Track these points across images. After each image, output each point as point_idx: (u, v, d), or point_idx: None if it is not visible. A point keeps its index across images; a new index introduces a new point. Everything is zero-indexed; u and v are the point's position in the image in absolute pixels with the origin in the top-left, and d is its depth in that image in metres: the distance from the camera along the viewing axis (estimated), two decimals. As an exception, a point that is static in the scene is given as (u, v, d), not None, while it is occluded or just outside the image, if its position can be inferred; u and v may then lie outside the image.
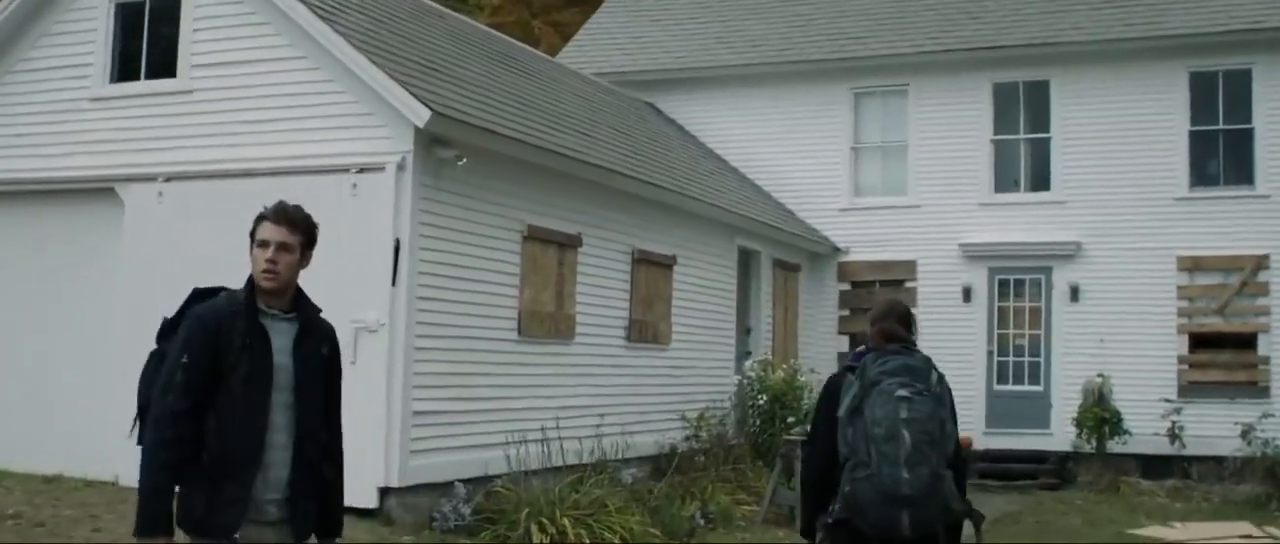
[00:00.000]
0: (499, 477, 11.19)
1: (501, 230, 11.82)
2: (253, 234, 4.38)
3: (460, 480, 10.87)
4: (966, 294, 19.07)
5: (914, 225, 19.42)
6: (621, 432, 13.53)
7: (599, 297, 13.47)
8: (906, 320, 5.30)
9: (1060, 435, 18.08)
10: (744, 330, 17.84)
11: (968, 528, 5.13)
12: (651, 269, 14.61)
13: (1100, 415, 17.22)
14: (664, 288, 14.93)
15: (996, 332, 19.02)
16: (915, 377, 4.90)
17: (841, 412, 4.97)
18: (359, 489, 10.20)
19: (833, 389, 5.16)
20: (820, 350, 19.82)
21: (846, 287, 19.97)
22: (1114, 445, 17.39)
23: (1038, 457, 18.17)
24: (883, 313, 5.35)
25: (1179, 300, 18.09)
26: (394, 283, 10.41)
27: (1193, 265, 18.02)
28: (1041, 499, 16.38)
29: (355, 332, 10.18)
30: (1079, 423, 17.42)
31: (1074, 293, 18.52)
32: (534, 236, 12.25)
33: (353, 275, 10.58)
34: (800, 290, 19.34)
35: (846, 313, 19.95)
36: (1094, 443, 17.43)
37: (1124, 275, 18.21)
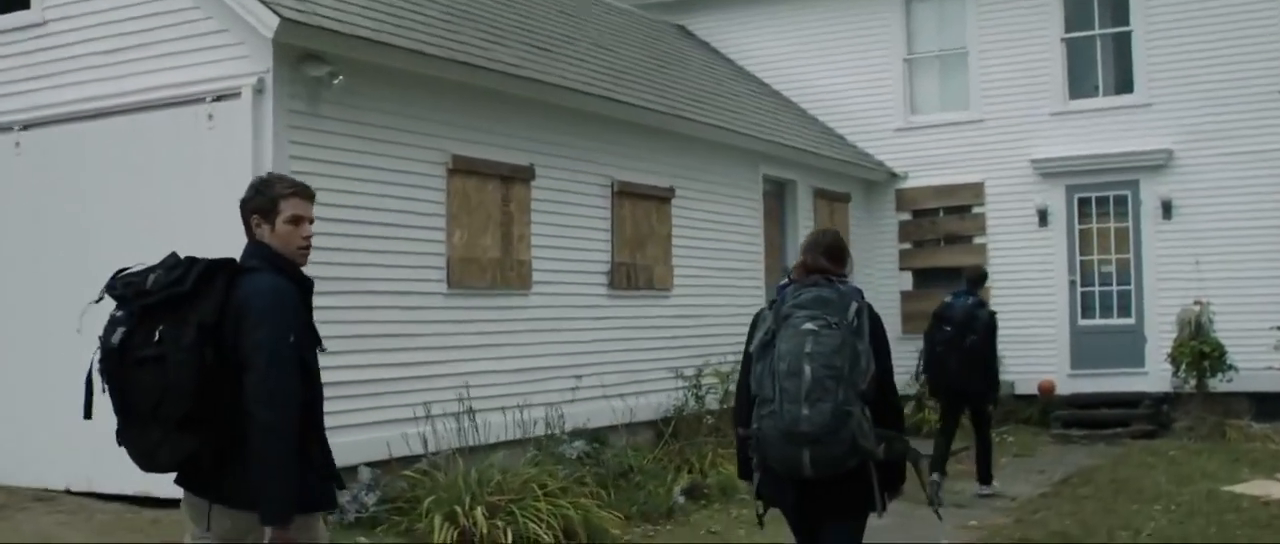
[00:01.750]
0: (426, 456, 9.40)
1: (418, 164, 9.96)
2: (271, 210, 4.17)
3: (367, 463, 9.09)
4: (1042, 217, 16.63)
5: (979, 143, 17.03)
6: (604, 394, 11.64)
7: (565, 238, 11.54)
8: (835, 252, 5.06)
9: (1157, 375, 15.61)
10: (780, 272, 15.70)
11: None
12: (640, 204, 12.61)
13: (1199, 350, 14.72)
14: (659, 225, 12.92)
15: (1078, 259, 16.57)
16: (827, 309, 4.69)
17: (753, 347, 4.82)
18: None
19: (753, 325, 4.95)
20: (880, 290, 17.56)
21: (907, 216, 17.68)
22: (1217, 384, 14.87)
23: (1130, 400, 15.73)
24: (809, 244, 5.11)
25: (1291, 211, 15.46)
26: (259, 230, 8.64)
27: (1307, 168, 15.37)
28: (1129, 451, 14.01)
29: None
30: (1174, 360, 14.95)
31: (1166, 209, 15.95)
32: (464, 170, 10.36)
33: (216, 223, 8.78)
34: (851, 223, 17.10)
35: (908, 246, 17.68)
36: (1194, 382, 14.93)
37: (1224, 185, 15.60)
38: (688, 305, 13.19)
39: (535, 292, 11.13)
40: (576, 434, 11.10)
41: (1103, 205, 16.51)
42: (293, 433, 3.95)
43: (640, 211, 12.60)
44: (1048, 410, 16.02)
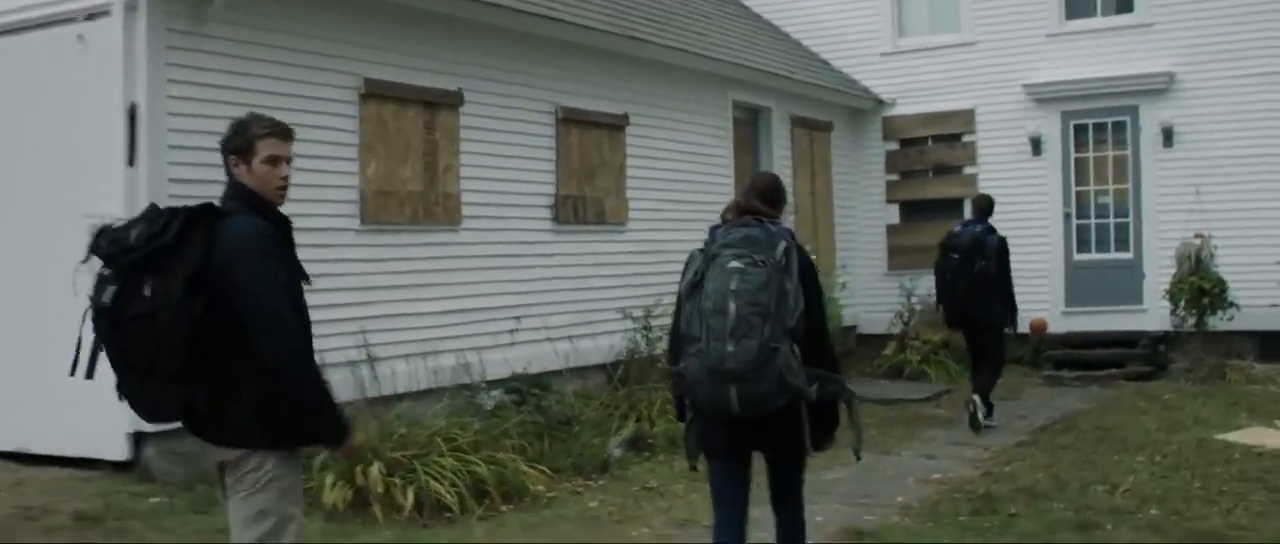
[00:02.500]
0: (335, 407, 8.57)
1: (324, 89, 9.09)
2: (247, 150, 4.16)
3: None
4: (1036, 146, 15.65)
5: (970, 67, 16.03)
6: (547, 337, 10.82)
7: (502, 169, 10.67)
8: (768, 194, 5.09)
9: (1156, 313, 14.68)
10: (755, 205, 14.80)
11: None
12: (589, 132, 11.71)
13: (1199, 286, 13.77)
14: (611, 155, 12.02)
15: (1074, 189, 15.61)
16: (754, 248, 4.68)
17: (682, 287, 4.81)
18: (101, 437, 7.76)
19: (686, 265, 4.87)
20: (866, 223, 16.71)
21: (894, 146, 16.71)
22: (1218, 322, 13.94)
23: (1127, 339, 14.82)
24: (746, 187, 5.17)
25: (1301, 136, 14.44)
26: (131, 162, 7.80)
27: (1318, 91, 14.33)
28: (1121, 394, 13.13)
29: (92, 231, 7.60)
30: (1172, 296, 14.01)
31: (1167, 136, 14.96)
32: (380, 95, 9.48)
33: (87, 156, 8.05)
34: (834, 153, 16.16)
35: (895, 177, 16.72)
36: (1193, 320, 14.00)
37: (1229, 110, 14.59)
38: (645, 241, 12.31)
39: (466, 227, 10.28)
40: (516, 380, 10.32)
41: (1100, 133, 15.53)
42: (311, 356, 4.06)
43: (589, 141, 11.70)
44: (1040, 350, 15.14)
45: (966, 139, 16.14)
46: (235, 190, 4.18)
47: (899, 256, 16.42)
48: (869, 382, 14.28)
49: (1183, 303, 13.85)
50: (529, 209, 11.00)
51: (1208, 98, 14.69)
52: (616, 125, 12.06)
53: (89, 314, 3.99)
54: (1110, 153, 15.46)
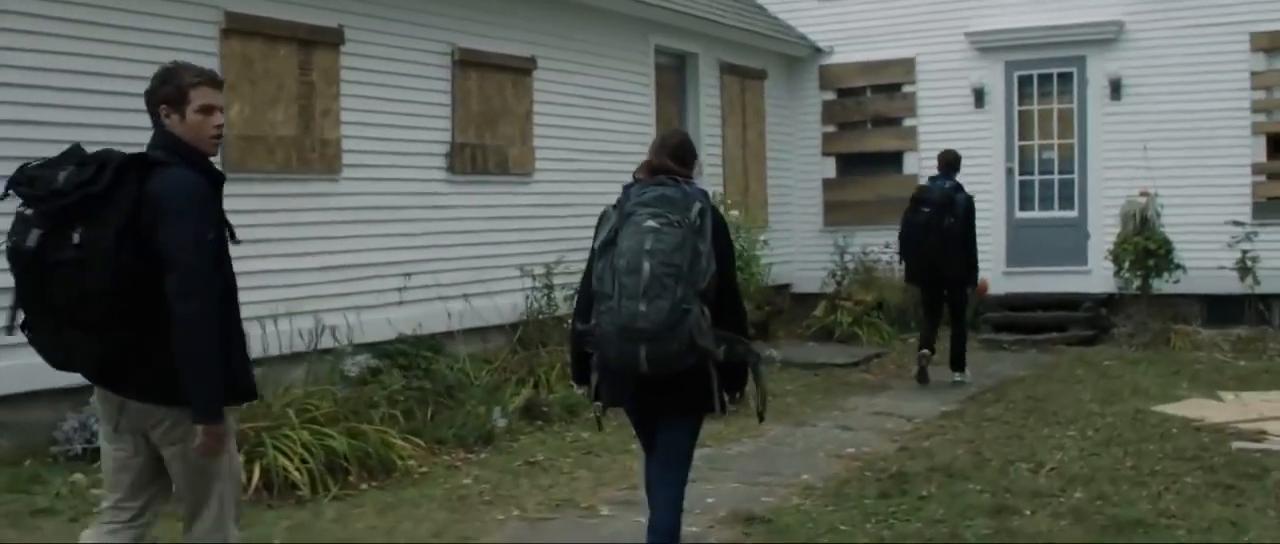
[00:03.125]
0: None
1: (178, 22, 8.22)
2: (180, 98, 4.01)
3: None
4: (978, 98, 14.90)
5: (911, 13, 15.23)
6: (440, 296, 10.03)
7: (389, 114, 9.82)
8: (680, 153, 4.99)
9: (1100, 274, 14.01)
10: (680, 156, 13.98)
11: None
12: (491, 76, 10.85)
13: (1144, 246, 13.08)
14: (516, 101, 11.17)
15: (1017, 144, 14.88)
16: (670, 208, 4.65)
17: (596, 244, 4.78)
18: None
19: (599, 223, 4.84)
20: (801, 177, 15.94)
21: (831, 96, 15.91)
22: (1164, 285, 13.27)
23: (1070, 302, 14.16)
24: (656, 146, 5.04)
25: (1254, 91, 13.74)
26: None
27: (1272, 44, 13.59)
28: (1060, 360, 12.46)
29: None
30: (1116, 257, 13.31)
31: (1115, 88, 14.24)
32: (244, 31, 8.61)
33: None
34: (768, 103, 15.34)
35: (832, 129, 15.92)
36: (1139, 283, 13.33)
37: (1179, 61, 13.89)
38: (554, 193, 11.49)
39: (346, 176, 9.43)
40: (402, 342, 9.53)
41: (1045, 84, 14.79)
42: (216, 329, 3.93)
43: (491, 85, 10.84)
44: (979, 313, 14.42)
45: (907, 89, 15.37)
46: (165, 140, 4.05)
47: (836, 212, 15.68)
48: (796, 344, 13.56)
49: (1127, 264, 13.17)
50: (420, 158, 10.16)
51: (1157, 49, 13.98)
52: (522, 69, 11.20)
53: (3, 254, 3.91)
54: (1055, 106, 14.74)
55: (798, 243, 15.74)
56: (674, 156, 4.95)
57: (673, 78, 13.85)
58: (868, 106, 15.62)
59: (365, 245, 9.53)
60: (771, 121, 15.40)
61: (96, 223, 3.79)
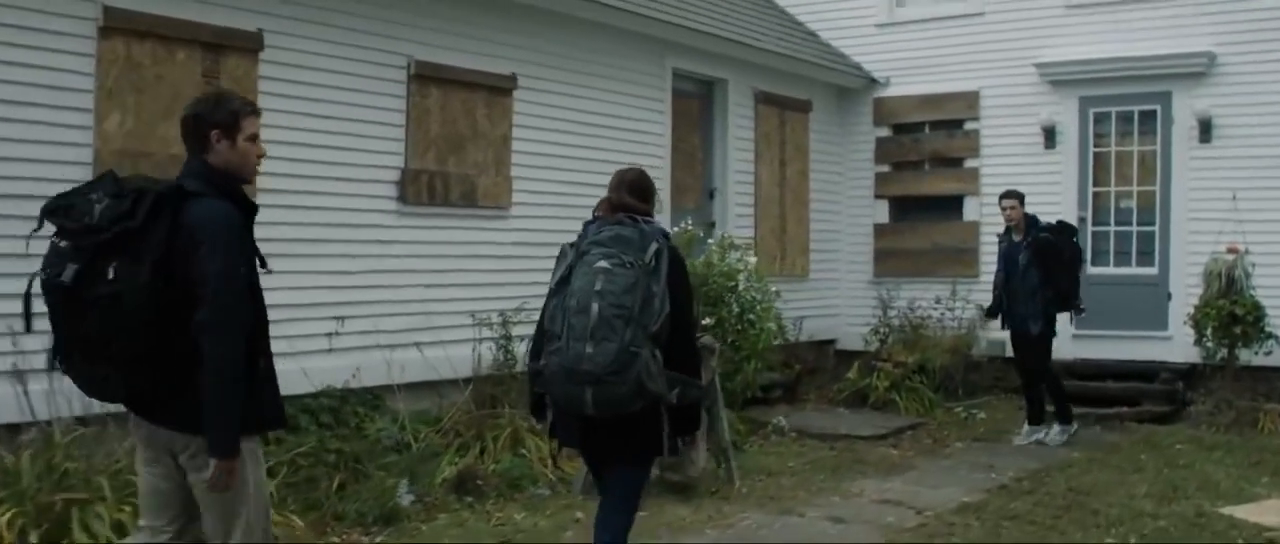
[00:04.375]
0: (32, 425, 6.63)
1: (49, 19, 7.06)
2: (233, 125, 4.09)
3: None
4: (1049, 137, 13.21)
5: (976, 42, 13.62)
6: (383, 343, 8.76)
7: (322, 132, 8.56)
8: (640, 190, 4.98)
9: (1182, 341, 12.15)
10: (707, 194, 12.56)
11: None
12: (457, 93, 9.54)
13: (1229, 311, 11.25)
14: (491, 124, 9.84)
15: (1092, 190, 13.13)
16: (625, 248, 4.62)
17: (552, 282, 4.78)
18: None
19: (557, 260, 4.86)
20: (850, 221, 14.41)
21: (885, 132, 14.32)
22: (1253, 356, 11.44)
23: (1146, 371, 12.37)
24: (614, 183, 5.01)
25: (1367, 135, 11.87)
26: None
27: (1391, 80, 11.75)
28: (1124, 441, 10.75)
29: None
30: (1197, 323, 11.51)
31: (1204, 129, 12.45)
32: (128, 29, 7.41)
33: None
34: (811, 138, 13.83)
35: (886, 169, 14.33)
36: (1223, 352, 11.50)
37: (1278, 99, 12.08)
38: (535, 230, 10.12)
39: (261, 202, 8.09)
40: (325, 395, 8.25)
41: (1124, 123, 13.05)
42: (241, 365, 3.96)
43: (458, 104, 9.54)
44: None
45: (969, 126, 13.72)
46: (202, 168, 4.08)
47: (887, 261, 14.07)
48: (824, 410, 11.97)
49: (1209, 331, 11.36)
50: (362, 185, 8.87)
51: (1254, 84, 12.18)
52: (500, 88, 9.87)
53: (38, 286, 3.92)
54: (1135, 148, 12.98)
55: (846, 294, 14.18)
56: (632, 193, 4.92)
57: (697, 105, 12.43)
58: (925, 145, 14.01)
59: (281, 283, 8.21)
60: (816, 159, 13.88)
61: (132, 258, 3.81)
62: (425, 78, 9.24)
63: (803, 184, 13.64)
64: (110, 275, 3.81)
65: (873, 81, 14.16)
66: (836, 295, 14.03)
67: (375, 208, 8.98)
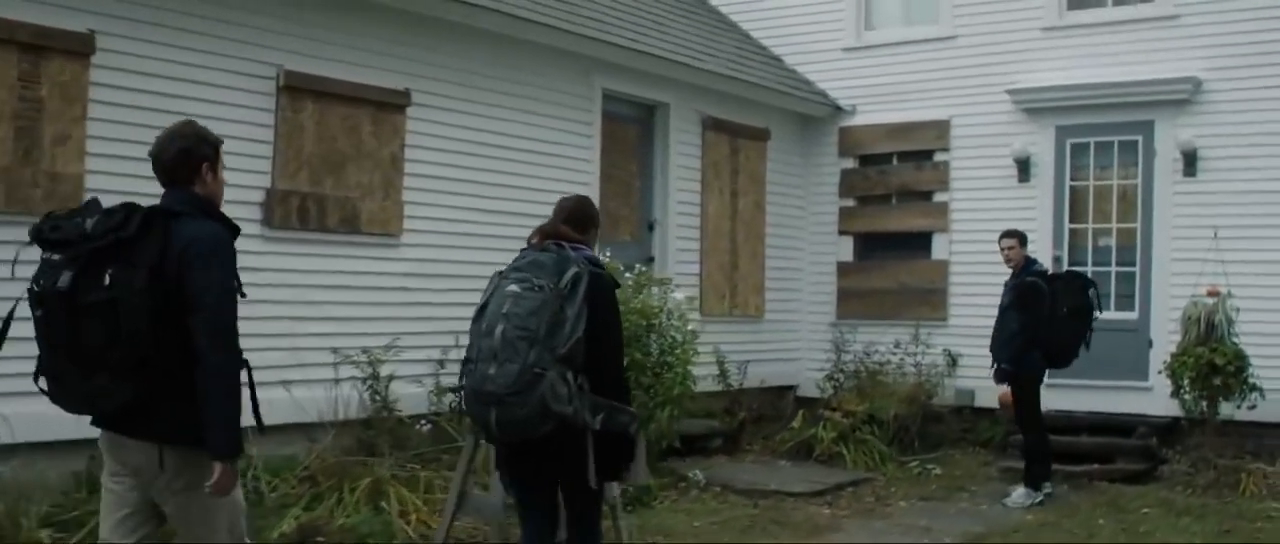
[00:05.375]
0: None
1: None
2: (212, 158, 4.30)
3: None
4: (1023, 168, 12.23)
5: (947, 67, 12.68)
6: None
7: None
8: (577, 218, 5.11)
9: (1164, 393, 11.02)
10: (646, 226, 11.65)
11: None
12: (337, 108, 8.69)
13: (1208, 360, 10.18)
14: (380, 142, 8.98)
15: (1068, 227, 12.12)
16: (539, 272, 4.66)
17: (475, 310, 4.80)
18: None
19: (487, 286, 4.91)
20: (813, 259, 13.43)
21: (851, 163, 13.36)
22: (1235, 409, 10.37)
23: (1124, 425, 11.32)
24: (555, 210, 5.16)
25: (1363, 169, 10.82)
26: None
27: (1392, 108, 10.70)
28: (1085, 502, 9.70)
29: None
30: (1174, 372, 10.45)
31: (1190, 161, 11.44)
32: (-83, 23, 6.62)
33: None
34: (768, 169, 12.90)
35: (851, 203, 13.36)
36: (1203, 405, 10.44)
37: (1270, 130, 11.05)
38: (432, 261, 9.28)
39: (89, 223, 7.30)
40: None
41: (1103, 155, 12.04)
42: (239, 372, 4.09)
43: (338, 119, 8.69)
44: (1008, 434, 11.71)
45: (939, 157, 12.75)
46: (187, 198, 4.20)
47: (851, 302, 13.09)
48: (763, 464, 10.96)
49: (1187, 382, 10.29)
50: (222, 206, 7.99)
51: (1243, 114, 11.17)
52: (389, 103, 9.02)
53: (28, 299, 3.98)
54: (1115, 181, 11.97)
55: (807, 337, 13.21)
56: (568, 220, 5.03)
57: (635, 130, 11.55)
58: (893, 177, 13.04)
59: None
60: (775, 191, 12.94)
61: (127, 265, 3.89)
62: (298, 90, 8.40)
63: (758, 217, 12.70)
64: (106, 281, 3.89)
65: (838, 109, 13.22)
66: (796, 338, 13.06)
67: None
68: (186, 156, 4.21)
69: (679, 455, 10.37)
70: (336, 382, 8.43)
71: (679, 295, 9.97)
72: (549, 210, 9.61)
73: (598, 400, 4.61)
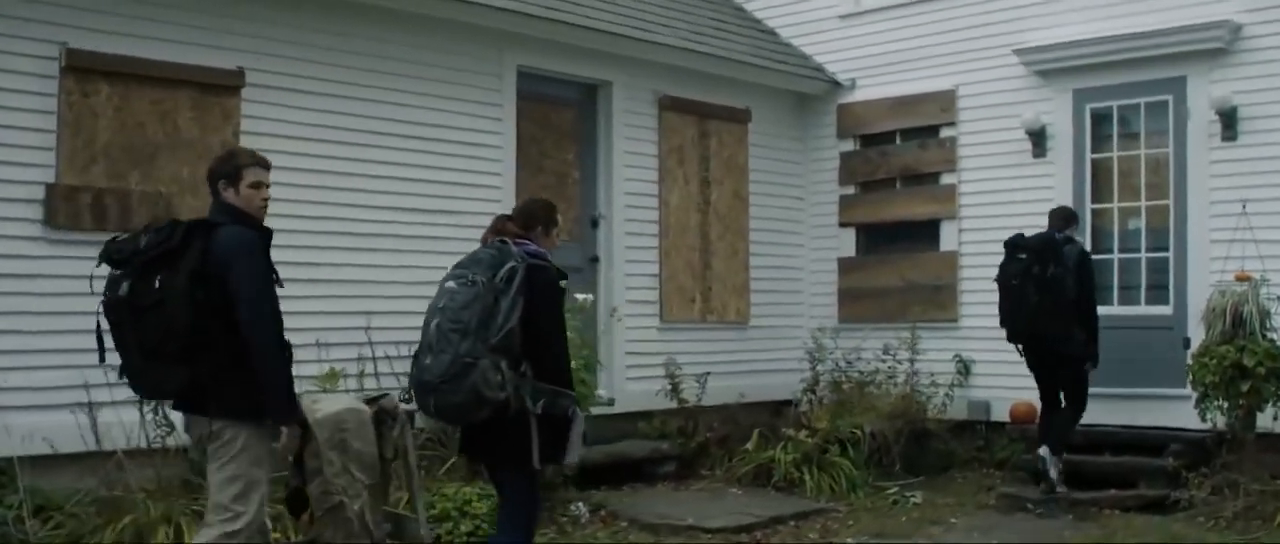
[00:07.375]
0: None
1: None
2: (236, 176, 5.01)
3: None
4: (1037, 141, 10.47)
5: (951, 31, 11.01)
6: (28, 404, 6.86)
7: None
8: (525, 216, 5.42)
9: (1202, 400, 9.17)
10: (589, 223, 10.26)
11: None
12: (143, 92, 7.55)
13: (1235, 360, 8.31)
14: (199, 131, 7.80)
15: (1090, 207, 10.29)
16: (475, 268, 5.00)
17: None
18: None
19: None
20: (814, 256, 11.86)
21: (851, 145, 11.73)
22: (1272, 422, 8.47)
23: (1154, 442, 9.49)
24: (515, 210, 5.62)
25: None
26: None
27: None
28: (1082, 539, 7.91)
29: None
30: (1195, 376, 8.61)
31: (1228, 122, 9.54)
32: None
33: None
34: (752, 155, 11.37)
35: (852, 190, 11.72)
36: (1233, 417, 8.56)
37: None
38: (279, 262, 8.02)
39: None
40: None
41: (1128, 122, 10.21)
42: (281, 347, 4.89)
43: (146, 104, 7.56)
44: (1015, 454, 9.99)
45: (945, 132, 11.06)
46: (222, 207, 5.01)
47: (853, 305, 11.46)
48: (713, 492, 9.40)
49: (1208, 385, 8.43)
50: (-10, 204, 6.98)
51: (1287, 63, 9.24)
52: (217, 84, 7.85)
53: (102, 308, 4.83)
54: (1143, 151, 10.11)
55: (804, 345, 11.56)
56: (517, 218, 5.42)
57: (572, 114, 10.18)
58: (894, 159, 11.37)
59: None
60: (760, 180, 11.40)
61: (172, 271, 4.69)
62: (87, 70, 7.30)
63: (739, 210, 11.17)
64: (156, 285, 4.70)
65: (836, 84, 11.62)
66: (790, 347, 11.40)
67: (7, 233, 7.06)
68: (210, 176, 5.08)
69: (611, 484, 8.98)
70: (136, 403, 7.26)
71: (587, 296, 8.63)
72: (452, 204, 8.58)
73: (539, 386, 4.95)
